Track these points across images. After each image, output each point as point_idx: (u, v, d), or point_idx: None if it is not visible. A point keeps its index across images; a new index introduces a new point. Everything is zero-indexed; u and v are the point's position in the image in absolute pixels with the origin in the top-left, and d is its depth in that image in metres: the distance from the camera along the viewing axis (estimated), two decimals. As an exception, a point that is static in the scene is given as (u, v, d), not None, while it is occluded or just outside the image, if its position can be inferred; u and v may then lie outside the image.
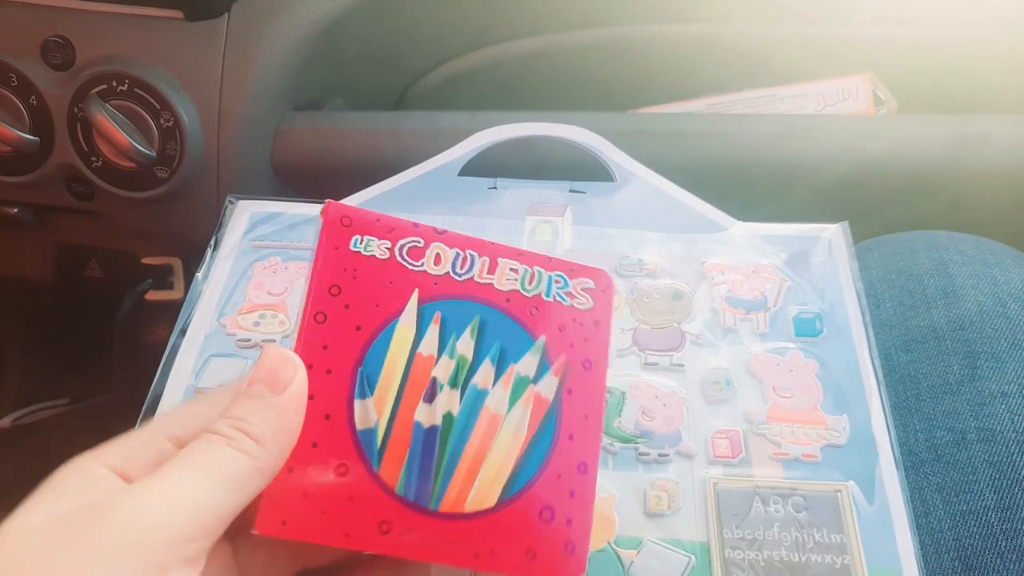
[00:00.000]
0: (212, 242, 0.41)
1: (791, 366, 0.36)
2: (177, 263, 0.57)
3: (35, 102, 0.50)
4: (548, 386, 0.30)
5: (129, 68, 0.49)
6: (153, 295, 0.58)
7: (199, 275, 0.39)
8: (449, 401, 0.29)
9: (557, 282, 0.32)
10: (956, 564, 0.34)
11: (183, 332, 0.38)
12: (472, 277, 0.31)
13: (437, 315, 0.30)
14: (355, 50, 0.58)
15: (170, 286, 0.58)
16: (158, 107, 0.50)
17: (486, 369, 0.29)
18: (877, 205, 0.50)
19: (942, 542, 0.35)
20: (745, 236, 0.40)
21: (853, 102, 0.58)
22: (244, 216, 0.42)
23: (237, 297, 0.39)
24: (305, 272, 0.40)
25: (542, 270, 0.32)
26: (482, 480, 0.28)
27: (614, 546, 0.32)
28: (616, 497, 0.33)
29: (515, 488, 0.28)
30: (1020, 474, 0.35)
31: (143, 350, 0.58)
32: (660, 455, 0.34)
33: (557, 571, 0.28)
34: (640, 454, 0.34)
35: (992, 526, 0.34)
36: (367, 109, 0.62)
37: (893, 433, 0.33)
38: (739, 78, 0.61)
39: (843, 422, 0.34)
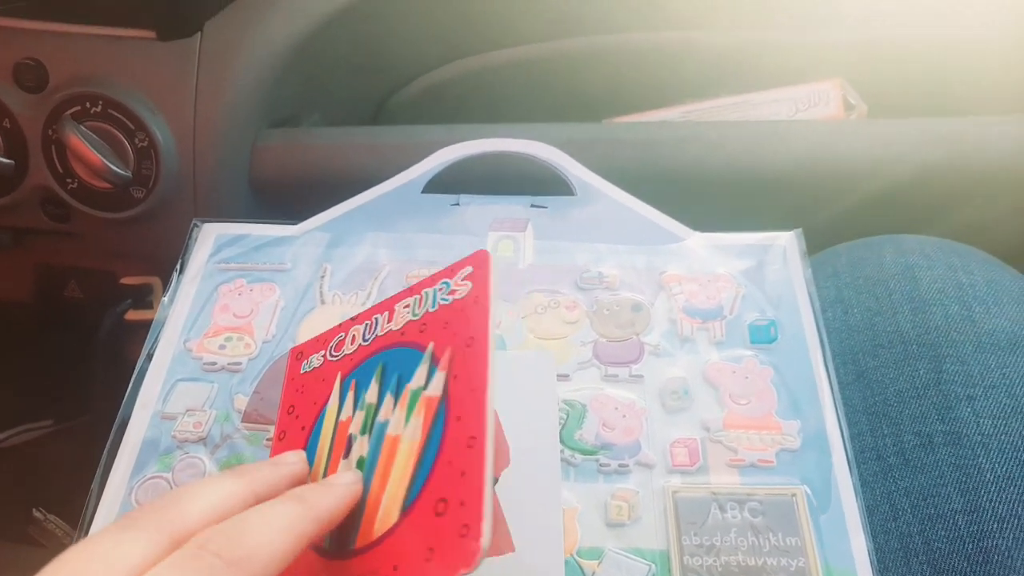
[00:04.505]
0: (178, 265, 0.41)
1: (746, 373, 0.36)
2: (156, 282, 0.58)
3: (8, 125, 0.50)
4: (437, 384, 0.29)
5: (102, 89, 0.50)
6: (133, 315, 0.58)
7: (165, 299, 0.40)
8: (360, 447, 0.30)
9: (440, 289, 0.32)
10: (925, 568, 0.34)
11: (150, 357, 0.38)
12: (376, 334, 0.33)
13: (352, 383, 0.32)
14: (330, 65, 0.59)
15: (149, 305, 0.58)
16: (132, 127, 0.50)
17: (387, 403, 0.30)
18: (848, 209, 0.51)
19: (911, 546, 0.35)
20: (702, 246, 0.40)
21: (824, 107, 0.58)
22: (209, 239, 0.43)
23: (203, 320, 0.40)
24: (270, 294, 0.40)
25: (428, 289, 0.32)
26: (385, 502, 0.28)
27: (576, 557, 0.32)
28: (578, 509, 0.33)
29: (412, 495, 0.28)
30: (985, 477, 0.35)
31: (124, 370, 0.59)
32: (620, 466, 0.34)
33: (452, 561, 0.26)
34: (601, 465, 0.34)
35: (960, 529, 0.34)
36: (345, 123, 0.62)
37: (847, 436, 0.34)
38: (713, 85, 0.61)
39: (796, 427, 0.34)
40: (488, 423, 0.27)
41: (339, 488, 0.28)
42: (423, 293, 0.32)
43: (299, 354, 0.36)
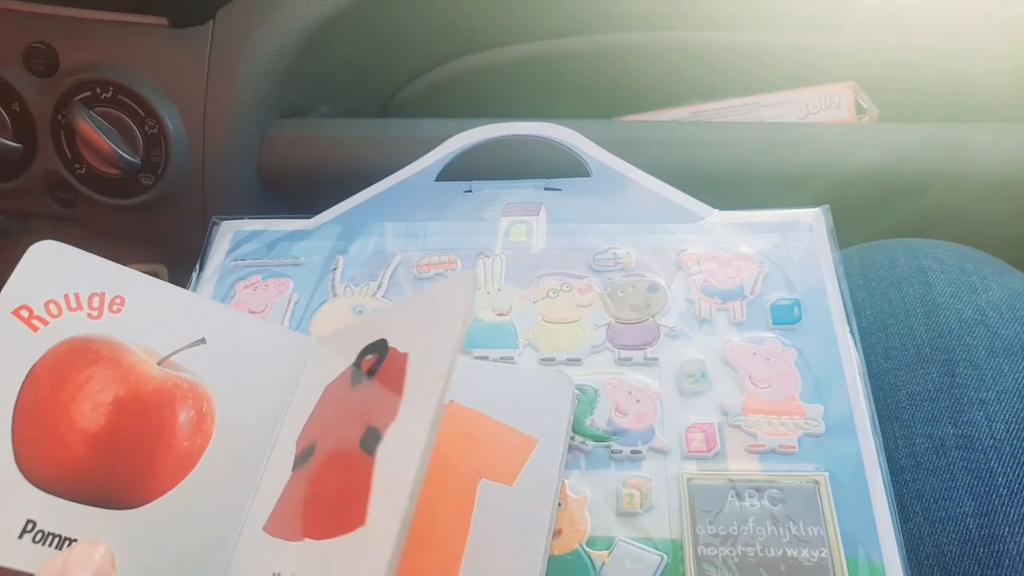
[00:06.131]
0: (197, 263, 0.42)
1: (768, 355, 0.34)
2: (163, 270, 0.57)
3: (18, 108, 0.50)
4: None
5: (113, 75, 0.49)
6: (139, 303, 0.57)
7: None
8: None
9: None
10: (936, 571, 0.34)
11: None
12: None
13: None
14: (340, 58, 0.58)
15: (155, 295, 0.57)
16: (143, 114, 0.50)
17: None
18: (858, 213, 0.49)
19: (921, 549, 0.34)
20: (722, 224, 0.39)
21: (835, 110, 0.57)
22: (227, 236, 0.43)
23: (221, 316, 0.39)
24: (284, 288, 0.40)
25: None
26: None
27: (585, 548, 0.31)
28: (588, 497, 0.32)
29: None
30: (997, 480, 0.34)
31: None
32: (633, 452, 0.33)
33: None
34: (612, 452, 0.33)
35: (971, 532, 0.34)
36: (353, 116, 0.62)
37: (875, 420, 0.32)
38: (723, 86, 0.61)
39: (821, 411, 0.33)
40: None
41: None
42: None
43: None
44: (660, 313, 0.36)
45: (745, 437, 0.32)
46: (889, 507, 0.30)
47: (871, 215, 0.49)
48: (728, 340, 0.35)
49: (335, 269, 0.41)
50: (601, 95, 0.65)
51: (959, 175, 0.47)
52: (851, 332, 0.35)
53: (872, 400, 0.33)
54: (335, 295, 0.40)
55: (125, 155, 0.49)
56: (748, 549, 0.29)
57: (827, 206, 0.39)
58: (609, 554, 0.30)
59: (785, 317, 0.36)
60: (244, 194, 0.53)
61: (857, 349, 0.34)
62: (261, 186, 0.53)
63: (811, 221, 0.39)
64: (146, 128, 0.50)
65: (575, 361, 0.35)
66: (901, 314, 0.41)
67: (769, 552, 0.29)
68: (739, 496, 0.31)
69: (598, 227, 0.40)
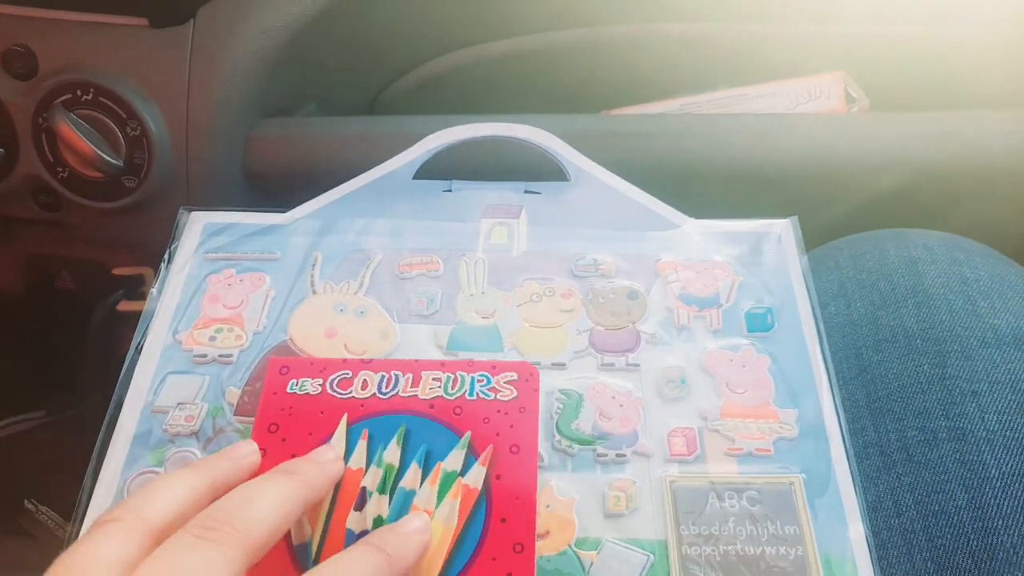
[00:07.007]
0: (166, 255, 0.40)
1: (743, 361, 0.36)
2: (149, 273, 0.57)
3: (-2, 113, 0.50)
4: (476, 476, 0.32)
5: (93, 77, 0.49)
6: (125, 306, 0.58)
7: (153, 290, 0.39)
8: (378, 506, 0.31)
9: (480, 381, 0.34)
10: (929, 565, 0.34)
11: (139, 350, 0.37)
12: (397, 393, 0.34)
13: (365, 432, 0.33)
14: (326, 55, 0.58)
15: (142, 296, 0.57)
16: (124, 116, 0.49)
17: (413, 472, 0.32)
18: (849, 203, 0.50)
19: (915, 542, 0.35)
20: (697, 233, 0.40)
21: (825, 100, 0.58)
22: (197, 227, 0.42)
23: (192, 312, 0.39)
24: (260, 284, 0.40)
25: (464, 373, 0.34)
26: (416, 574, 0.30)
27: (574, 548, 0.32)
28: (575, 499, 0.33)
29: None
30: (990, 473, 0.35)
31: (116, 361, 0.58)
32: (617, 456, 0.34)
33: None
34: (598, 455, 0.34)
35: (964, 526, 0.34)
36: (340, 115, 0.62)
37: (844, 424, 0.34)
38: (712, 77, 0.61)
39: (794, 415, 0.34)
40: (535, 534, 0.30)
41: (326, 465, 0.31)
42: (457, 375, 0.34)
43: (284, 369, 0.35)
44: (640, 320, 0.38)
45: (723, 441, 0.34)
46: (859, 507, 0.31)
47: (861, 205, 0.50)
48: (705, 347, 0.36)
49: (314, 265, 0.40)
50: (591, 89, 0.66)
51: (950, 164, 0.48)
52: (820, 339, 0.36)
53: (842, 404, 0.34)
54: (314, 292, 0.40)
55: (107, 158, 0.49)
56: (729, 548, 0.31)
57: (795, 217, 0.40)
58: (597, 554, 0.32)
59: (759, 325, 0.37)
60: (230, 195, 0.53)
61: (826, 356, 0.36)
62: (247, 187, 0.53)
63: (780, 231, 0.40)
64: (128, 130, 0.50)
65: (559, 365, 0.36)
66: (892, 305, 0.41)
67: (749, 551, 0.31)
68: (719, 497, 0.32)
69: (578, 232, 0.40)
